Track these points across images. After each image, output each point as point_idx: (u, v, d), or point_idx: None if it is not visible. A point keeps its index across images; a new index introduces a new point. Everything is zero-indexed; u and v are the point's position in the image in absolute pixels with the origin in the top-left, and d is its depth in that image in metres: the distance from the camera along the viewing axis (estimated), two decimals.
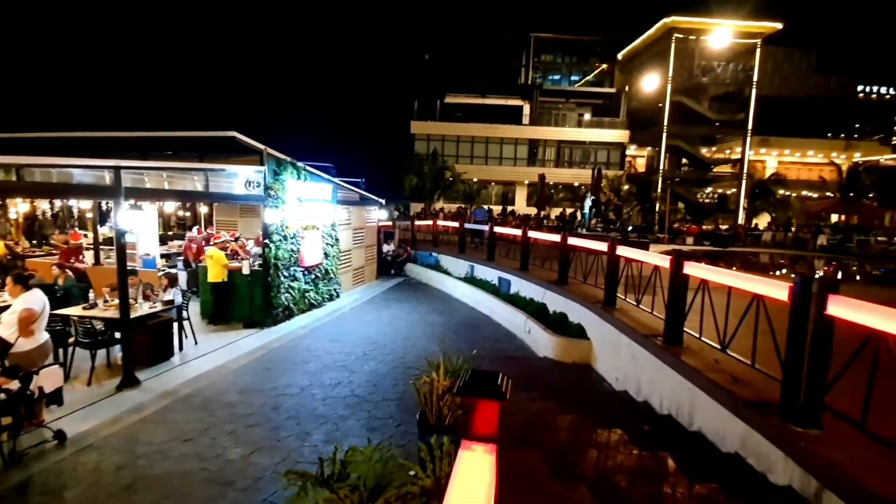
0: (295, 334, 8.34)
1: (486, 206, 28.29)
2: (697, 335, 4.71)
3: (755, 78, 30.56)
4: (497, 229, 13.35)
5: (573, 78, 39.72)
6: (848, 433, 2.88)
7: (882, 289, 12.41)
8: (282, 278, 9.00)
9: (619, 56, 36.05)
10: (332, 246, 11.02)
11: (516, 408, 5.14)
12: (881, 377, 2.70)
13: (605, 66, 38.38)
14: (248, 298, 8.82)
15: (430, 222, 18.88)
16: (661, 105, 31.31)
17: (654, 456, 3.40)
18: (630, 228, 24.37)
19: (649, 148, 35.12)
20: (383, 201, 15.32)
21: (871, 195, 25.27)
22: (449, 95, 36.49)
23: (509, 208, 31.69)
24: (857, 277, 15.45)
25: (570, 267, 8.93)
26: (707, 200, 34.57)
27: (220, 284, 8.72)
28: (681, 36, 30.46)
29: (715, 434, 4.01)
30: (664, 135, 31.17)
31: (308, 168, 9.83)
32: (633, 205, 28.16)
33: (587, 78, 39.20)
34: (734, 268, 17.03)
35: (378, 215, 15.43)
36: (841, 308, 2.82)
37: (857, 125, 37.95)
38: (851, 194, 24.71)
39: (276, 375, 6.27)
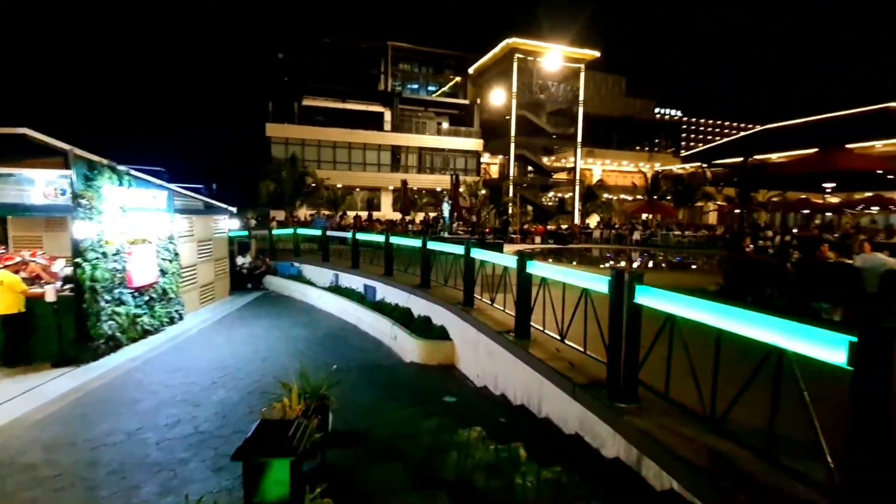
0: (123, 368, 7.09)
1: (350, 213, 27.71)
2: (542, 328, 5.19)
3: (581, 97, 35.29)
4: (360, 236, 13.15)
5: (430, 88, 41.27)
6: (657, 403, 3.42)
7: (680, 273, 15.22)
8: (102, 303, 7.58)
9: (471, 70, 38.49)
10: (170, 261, 9.66)
11: (384, 418, 5.09)
12: (680, 350, 3.24)
13: (458, 78, 40.60)
14: (57, 330, 7.25)
15: (290, 231, 17.79)
16: (508, 117, 34.24)
17: (508, 448, 3.63)
18: (487, 230, 26.12)
19: (501, 156, 38.16)
20: (234, 209, 14.00)
21: (668, 197, 30.98)
22: (307, 98, 35.01)
23: (375, 214, 31.57)
24: (663, 265, 18.73)
25: (431, 270, 9.18)
26: (550, 203, 38.80)
27: (14, 317, 7.01)
28: (522, 56, 33.72)
29: (559, 418, 4.45)
30: (512, 145, 34.15)
31: (133, 173, 8.48)
32: (490, 208, 30.28)
33: (443, 89, 41.08)
34: (574, 262, 19.44)
35: (228, 225, 14.04)
36: (645, 297, 3.34)
37: (656, 140, 46.28)
38: (655, 197, 30.00)
39: (96, 422, 5.24)
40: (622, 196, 38.93)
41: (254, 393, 6.15)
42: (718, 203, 31.77)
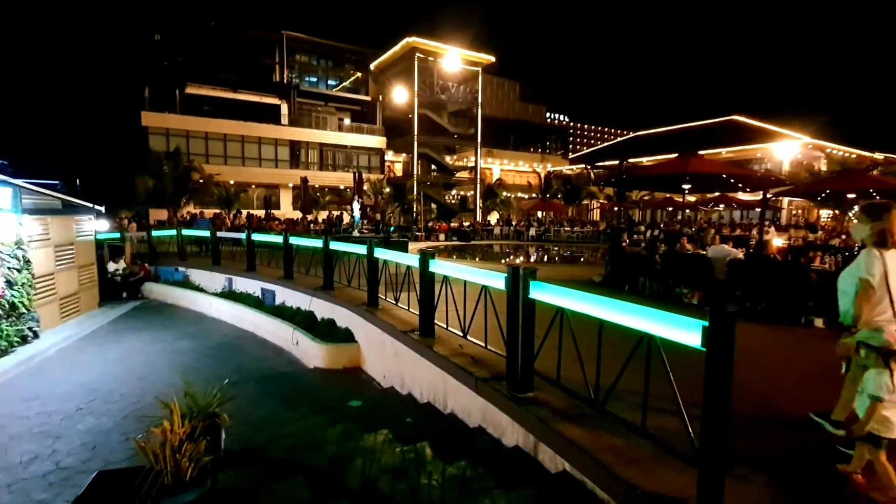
0: None
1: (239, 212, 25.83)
2: (445, 325, 5.29)
3: (479, 99, 36.64)
4: (256, 236, 12.31)
5: (330, 82, 39.94)
6: (551, 391, 3.66)
7: (571, 266, 16.48)
8: None
9: (372, 67, 37.99)
10: (19, 271, 8.23)
11: (284, 431, 4.83)
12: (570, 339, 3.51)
13: (359, 74, 39.84)
14: None
15: (173, 232, 16.04)
16: (410, 116, 34.41)
17: (414, 448, 3.66)
18: (392, 229, 26.03)
19: (404, 154, 38.26)
20: (101, 208, 12.28)
21: (559, 196, 33.45)
22: (192, 86, 31.88)
23: (274, 213, 29.81)
24: (557, 259, 20.19)
25: (334, 271, 8.90)
26: (453, 201, 39.79)
27: None
28: (422, 56, 34.05)
29: (464, 412, 4.58)
30: (415, 143, 34.38)
31: None
32: (395, 206, 30.21)
33: (344, 84, 40.00)
34: (477, 258, 20.17)
35: (96, 226, 12.29)
36: (538, 292, 3.56)
37: (547, 142, 49.71)
38: (548, 195, 32.21)
39: None
40: (519, 194, 41.21)
41: (130, 418, 5.48)
42: (601, 201, 35.06)
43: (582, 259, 19.27)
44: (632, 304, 2.69)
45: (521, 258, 20.05)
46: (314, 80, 39.15)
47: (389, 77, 37.04)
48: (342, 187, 34.10)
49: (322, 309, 8.59)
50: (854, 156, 29.19)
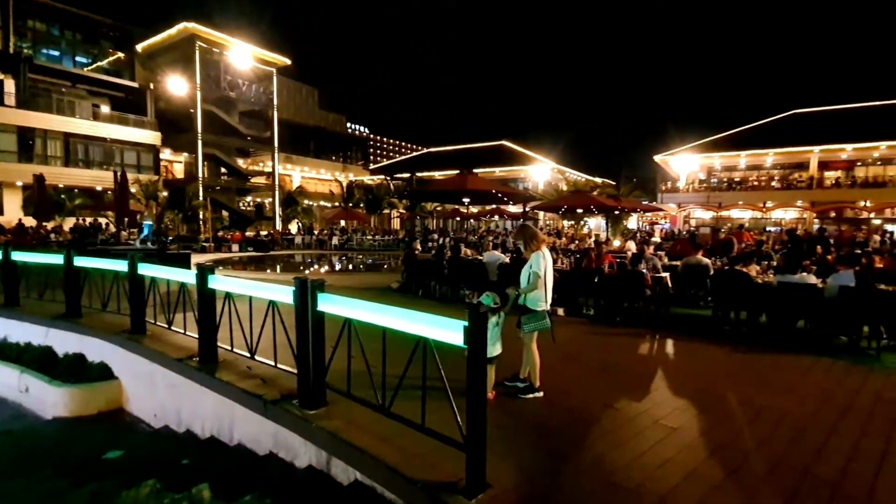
0: None
1: None
2: (230, 348, 4.81)
3: (275, 101, 34.58)
4: None
5: (80, 59, 32.15)
6: (343, 402, 3.66)
7: (373, 274, 16.86)
8: None
9: (140, 48, 32.11)
10: None
11: None
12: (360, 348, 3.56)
13: (122, 55, 33.23)
14: None
15: None
16: (193, 111, 30.28)
17: (189, 495, 3.22)
18: (170, 239, 22.44)
19: (186, 154, 33.42)
20: None
21: (361, 205, 33.96)
22: None
23: None
24: (361, 266, 20.41)
25: (82, 293, 7.18)
26: (248, 208, 36.52)
27: None
28: (205, 46, 30.38)
29: (253, 440, 4.23)
30: (199, 141, 30.37)
31: None
32: (175, 213, 26.10)
33: (100, 63, 32.70)
34: (279, 268, 18.89)
35: None
36: (327, 304, 3.54)
37: (349, 152, 49.98)
38: (350, 204, 32.41)
39: None
40: (322, 203, 40.29)
41: None
42: (400, 211, 36.84)
43: (386, 266, 19.93)
44: (408, 311, 2.91)
45: (326, 267, 19.63)
46: (55, 54, 31.02)
47: (163, 64, 31.81)
48: (99, 188, 27.88)
49: (66, 342, 6.84)
50: (583, 179, 37.57)
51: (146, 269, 6.04)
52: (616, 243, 15.77)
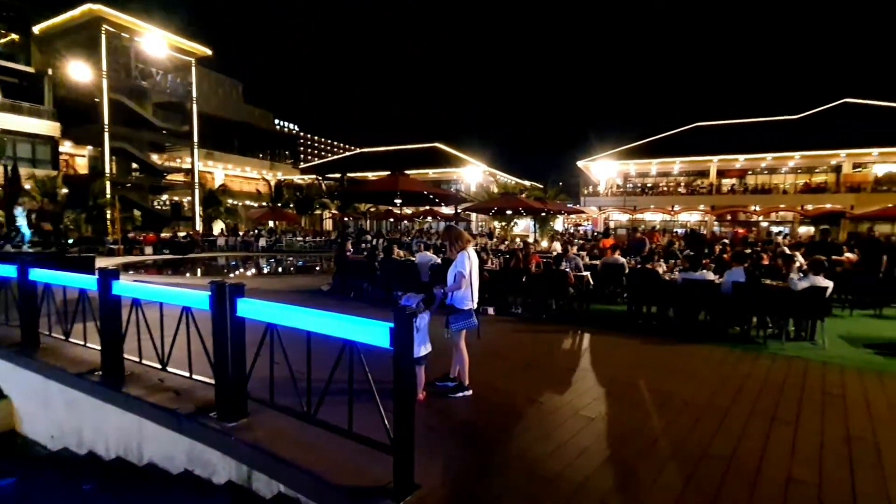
0: None
1: None
2: (139, 359, 4.43)
3: (194, 94, 32.32)
4: None
5: None
6: (266, 412, 3.50)
7: (304, 276, 16.24)
8: None
9: (37, 30, 28.61)
10: None
11: None
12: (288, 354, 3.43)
13: (16, 36, 29.45)
14: None
15: None
16: (99, 100, 27.50)
17: None
18: (71, 241, 20.24)
19: (91, 147, 30.28)
20: None
21: (291, 205, 32.70)
22: None
23: None
24: (291, 269, 19.63)
25: None
26: (163, 208, 33.84)
27: None
28: (113, 30, 27.72)
29: (165, 459, 3.92)
30: (106, 134, 27.62)
31: None
32: (77, 213, 23.56)
33: None
34: (199, 271, 17.66)
35: None
36: (247, 309, 3.37)
37: (277, 150, 47.89)
38: (279, 204, 31.07)
39: None
40: (248, 202, 38.26)
41: None
42: (332, 211, 35.90)
43: (318, 268, 19.34)
44: (333, 314, 2.85)
45: (252, 270, 18.66)
46: None
47: (65, 48, 28.51)
48: None
49: None
50: (514, 182, 38.87)
51: (39, 275, 5.41)
52: (544, 244, 16.49)
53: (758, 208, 31.13)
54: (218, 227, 31.61)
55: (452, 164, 37.96)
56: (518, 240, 18.72)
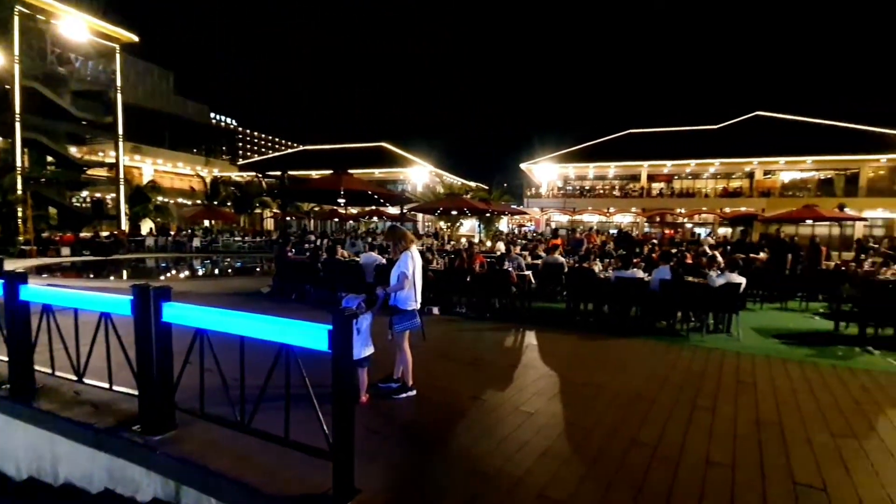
0: None
1: None
2: (51, 371, 4.06)
3: (119, 83, 29.96)
4: None
5: None
6: (197, 424, 3.32)
7: (243, 278, 15.54)
8: None
9: None
10: None
11: None
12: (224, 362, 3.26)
13: None
14: None
15: None
16: (9, 87, 24.80)
17: None
18: None
19: (0, 139, 27.23)
20: None
21: (229, 203, 31.14)
22: None
23: None
24: (229, 271, 18.69)
25: None
26: (83, 205, 31.14)
27: None
28: (26, 11, 25.10)
29: (83, 478, 3.62)
30: (18, 124, 24.97)
31: None
32: None
33: None
34: (125, 274, 16.37)
35: None
36: (174, 313, 3.18)
37: (213, 145, 45.47)
38: (215, 202, 29.51)
39: None
40: (180, 200, 36.01)
41: None
42: (274, 210, 34.59)
43: (258, 269, 18.55)
44: (268, 317, 2.76)
45: (186, 273, 17.58)
46: None
47: None
48: None
49: None
50: (459, 183, 39.31)
51: None
52: (489, 244, 16.80)
53: (683, 211, 33.42)
54: (147, 226, 29.51)
55: (399, 164, 37.74)
56: (464, 240, 18.95)
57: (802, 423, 4.09)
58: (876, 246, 13.88)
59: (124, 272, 17.10)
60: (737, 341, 6.90)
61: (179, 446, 3.17)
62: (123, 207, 29.33)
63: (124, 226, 28.58)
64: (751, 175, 33.90)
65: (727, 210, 30.44)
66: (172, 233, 27.54)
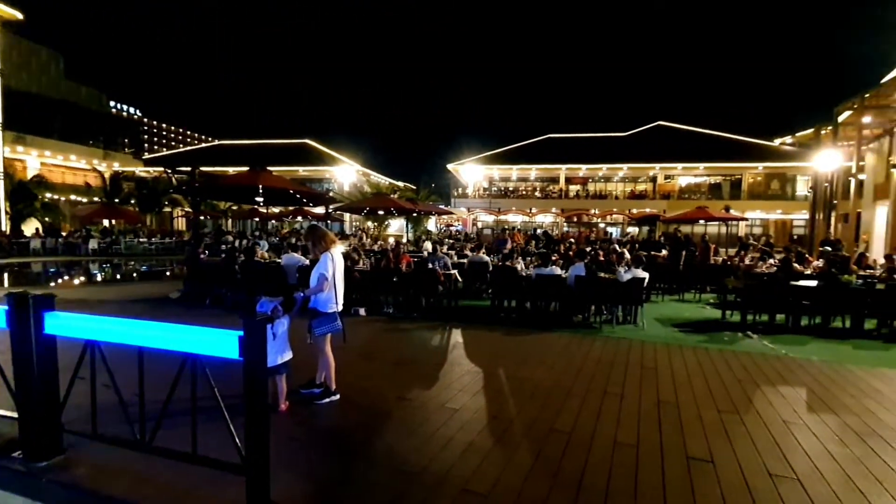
0: None
1: None
2: None
3: None
4: None
5: None
6: (89, 446, 3.00)
7: (149, 283, 14.23)
8: None
9: None
10: None
11: None
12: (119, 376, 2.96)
13: None
14: None
15: None
16: None
17: None
18: None
19: None
20: None
21: (132, 201, 28.39)
22: None
23: None
24: (134, 275, 17.02)
25: None
26: None
27: None
28: None
29: None
30: None
31: None
32: None
33: None
34: (5, 280, 14.29)
35: None
36: (59, 324, 2.85)
37: (114, 137, 41.15)
38: (116, 200, 26.75)
39: None
40: (74, 197, 32.19)
41: None
42: (186, 209, 32.08)
43: (168, 273, 17.08)
44: (171, 325, 2.56)
45: (82, 278, 15.74)
46: None
47: None
48: None
49: None
50: (387, 182, 39.04)
51: None
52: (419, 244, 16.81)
53: (597, 211, 35.82)
54: (32, 226, 26.04)
55: (324, 162, 36.60)
56: (391, 240, 18.83)
57: (695, 401, 4.55)
58: (755, 243, 15.80)
59: (4, 278, 14.99)
60: (642, 331, 7.52)
61: (69, 472, 2.85)
62: (3, 205, 25.64)
63: (4, 226, 25.02)
64: (654, 179, 37.18)
65: (634, 211, 33.03)
66: (64, 234, 24.56)
